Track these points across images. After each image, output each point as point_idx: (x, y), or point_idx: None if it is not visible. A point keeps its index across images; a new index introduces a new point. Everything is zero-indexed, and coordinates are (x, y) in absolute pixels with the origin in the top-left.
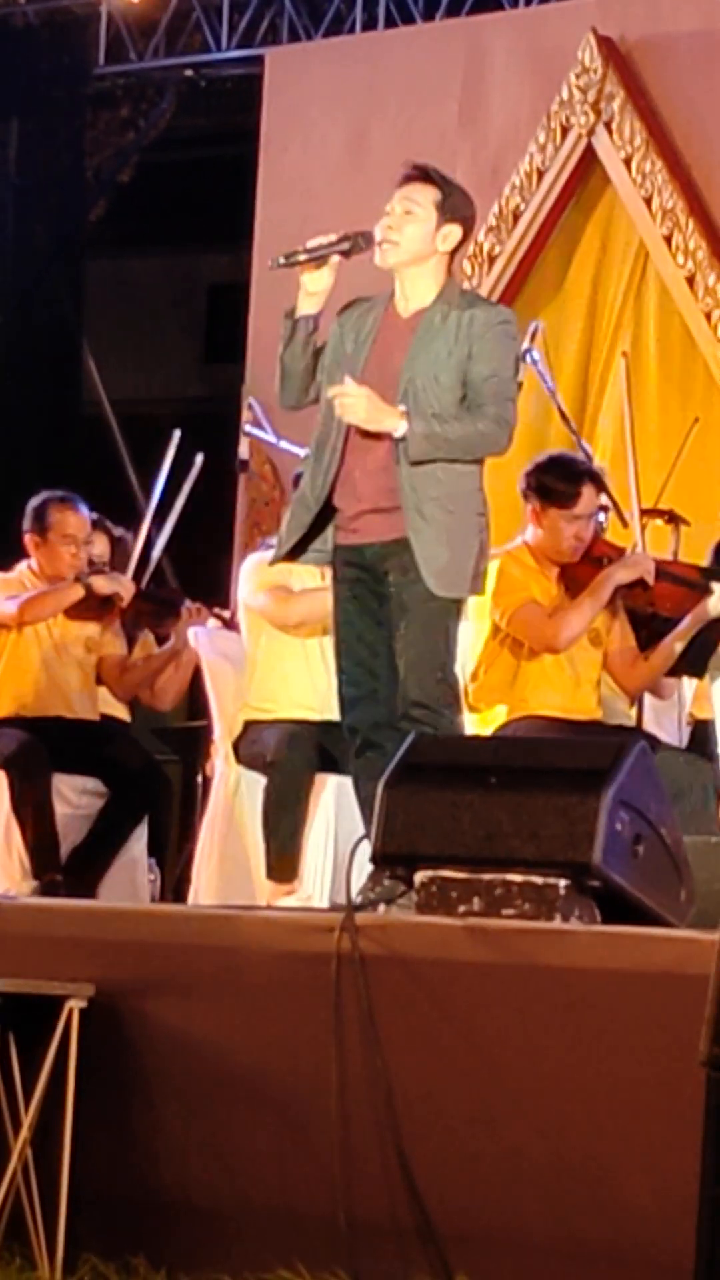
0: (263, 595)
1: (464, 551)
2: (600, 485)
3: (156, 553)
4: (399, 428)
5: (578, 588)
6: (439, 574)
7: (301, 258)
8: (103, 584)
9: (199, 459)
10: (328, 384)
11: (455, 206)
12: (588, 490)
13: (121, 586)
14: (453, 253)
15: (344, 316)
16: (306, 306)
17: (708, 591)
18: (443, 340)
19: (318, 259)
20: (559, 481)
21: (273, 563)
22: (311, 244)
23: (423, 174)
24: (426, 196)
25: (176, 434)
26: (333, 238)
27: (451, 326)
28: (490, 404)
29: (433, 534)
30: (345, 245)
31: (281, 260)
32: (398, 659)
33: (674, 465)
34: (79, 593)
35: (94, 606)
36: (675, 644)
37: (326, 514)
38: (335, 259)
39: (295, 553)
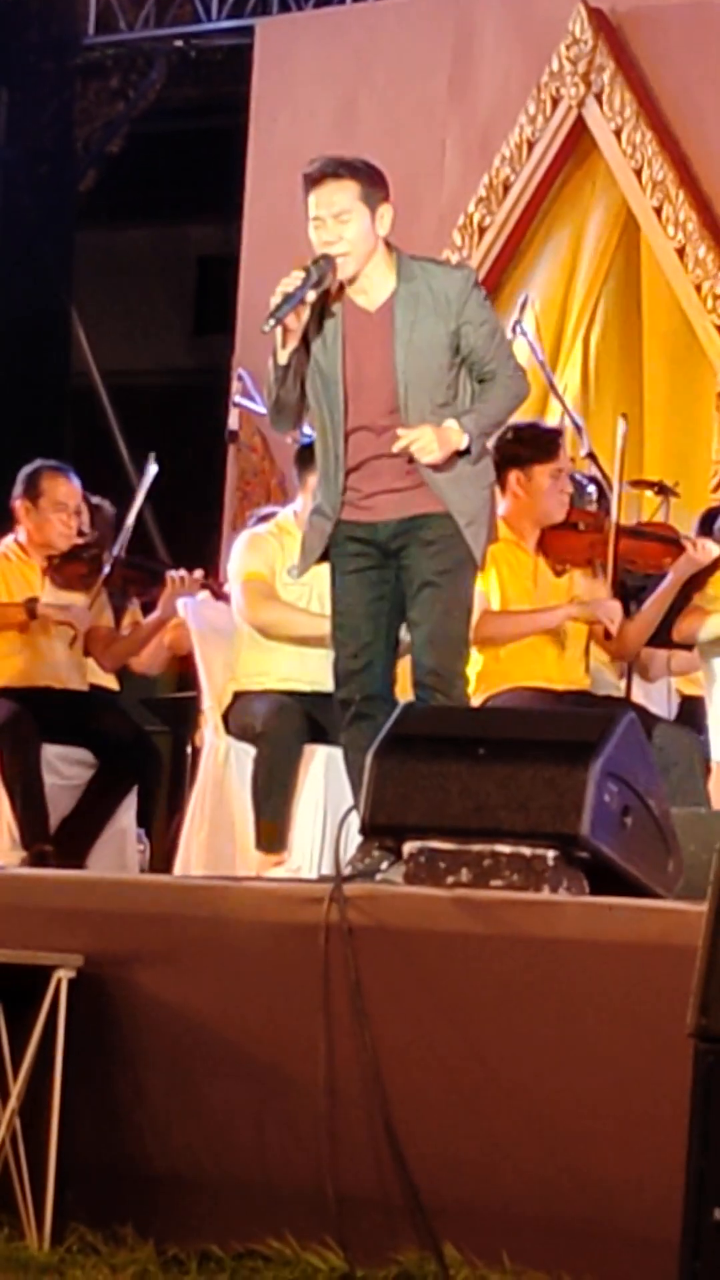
0: (239, 588)
1: (482, 513)
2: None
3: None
4: (465, 441)
5: (556, 554)
6: (472, 519)
7: (286, 310)
8: (51, 613)
9: (153, 469)
10: (315, 397)
11: (374, 184)
12: (562, 444)
13: (71, 616)
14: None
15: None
16: (290, 344)
17: (680, 545)
18: (425, 322)
19: (299, 302)
20: (534, 442)
21: (300, 574)
22: (286, 289)
23: (331, 172)
24: (347, 194)
25: (153, 467)
26: (299, 277)
27: (427, 303)
28: (502, 365)
29: (471, 513)
30: (315, 277)
31: (269, 326)
32: (413, 629)
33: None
34: (21, 616)
35: (80, 577)
36: (659, 603)
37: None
38: (312, 295)
39: (318, 560)
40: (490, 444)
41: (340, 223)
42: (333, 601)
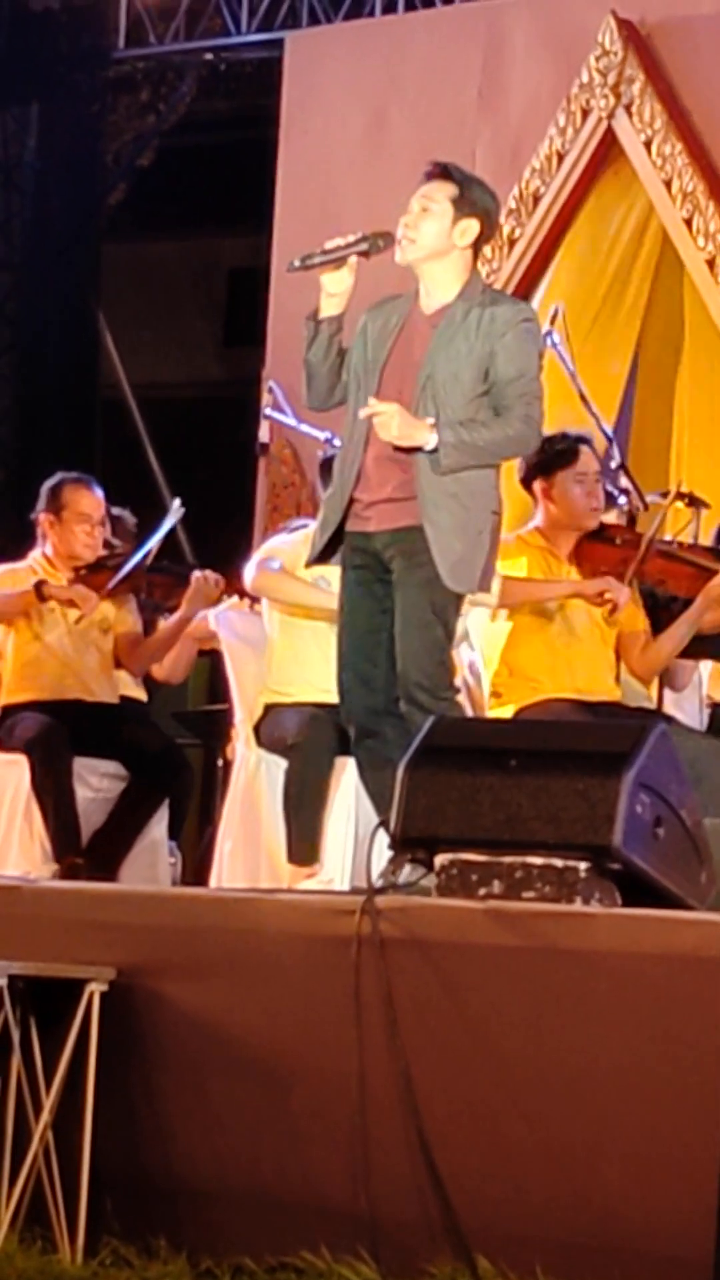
0: (252, 564)
1: (475, 547)
2: (594, 450)
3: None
4: (430, 441)
5: (590, 565)
6: (452, 568)
7: (318, 259)
8: (56, 592)
9: (177, 504)
10: (354, 384)
11: (473, 201)
12: (585, 450)
13: (76, 594)
14: (475, 247)
15: (370, 314)
16: (328, 308)
17: (715, 571)
18: (463, 337)
19: (336, 260)
20: (555, 449)
21: (309, 564)
22: (329, 245)
23: (441, 171)
24: (443, 193)
25: (178, 508)
26: (350, 238)
27: (473, 323)
28: (517, 405)
29: (448, 526)
30: (364, 245)
31: (298, 263)
32: (398, 643)
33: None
34: (30, 599)
35: (99, 586)
36: (685, 625)
37: (349, 509)
38: (353, 259)
39: (327, 553)
40: (496, 479)
41: (423, 211)
42: (339, 613)
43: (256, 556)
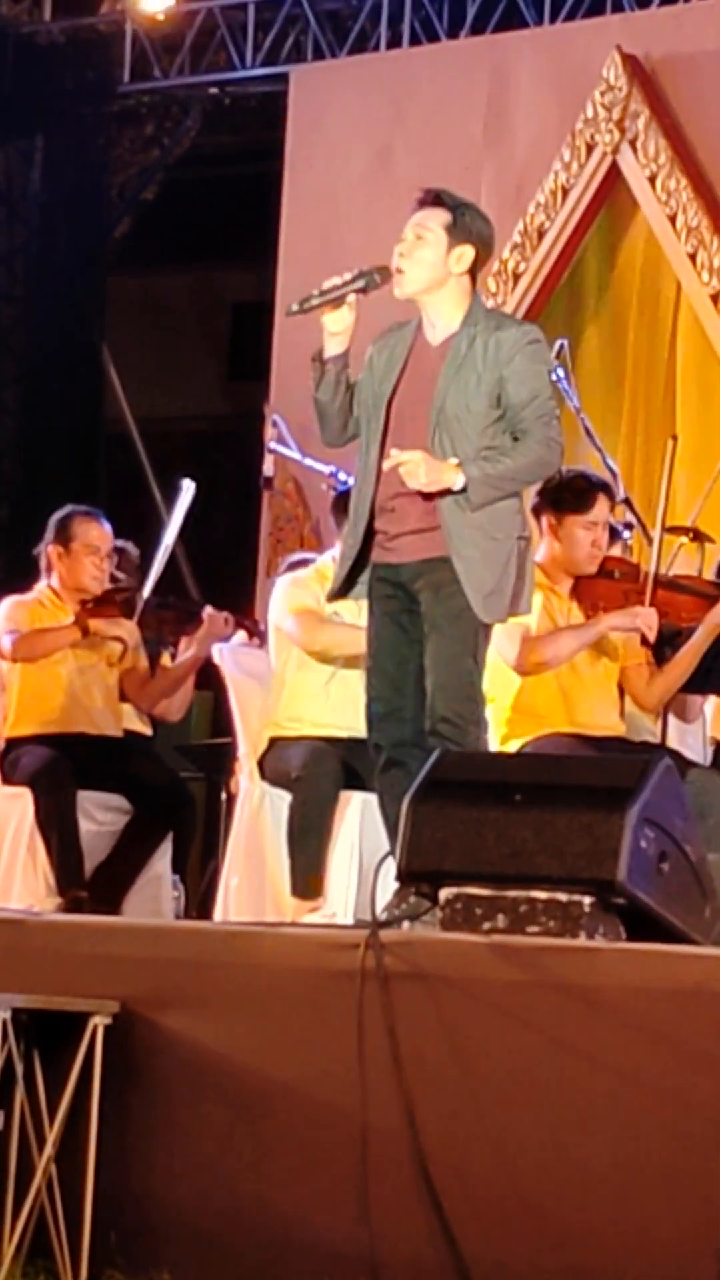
0: (291, 619)
1: (505, 576)
2: (611, 497)
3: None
4: (458, 481)
5: (591, 601)
6: (484, 600)
7: (316, 301)
8: (101, 626)
9: (188, 485)
10: (364, 417)
11: (466, 227)
12: (601, 498)
13: (123, 630)
14: (473, 273)
15: (376, 346)
16: (332, 347)
17: (715, 600)
18: (471, 368)
19: (334, 300)
20: (571, 489)
21: (330, 599)
22: (326, 285)
23: (433, 198)
24: (436, 220)
25: (190, 486)
26: (347, 276)
27: (479, 352)
28: (536, 428)
29: (477, 559)
30: (360, 283)
31: (296, 307)
32: (427, 675)
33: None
34: (75, 635)
35: (107, 618)
36: (690, 654)
37: (371, 538)
38: (352, 297)
39: (347, 587)
40: (520, 504)
41: (417, 239)
42: (367, 644)
43: (289, 615)
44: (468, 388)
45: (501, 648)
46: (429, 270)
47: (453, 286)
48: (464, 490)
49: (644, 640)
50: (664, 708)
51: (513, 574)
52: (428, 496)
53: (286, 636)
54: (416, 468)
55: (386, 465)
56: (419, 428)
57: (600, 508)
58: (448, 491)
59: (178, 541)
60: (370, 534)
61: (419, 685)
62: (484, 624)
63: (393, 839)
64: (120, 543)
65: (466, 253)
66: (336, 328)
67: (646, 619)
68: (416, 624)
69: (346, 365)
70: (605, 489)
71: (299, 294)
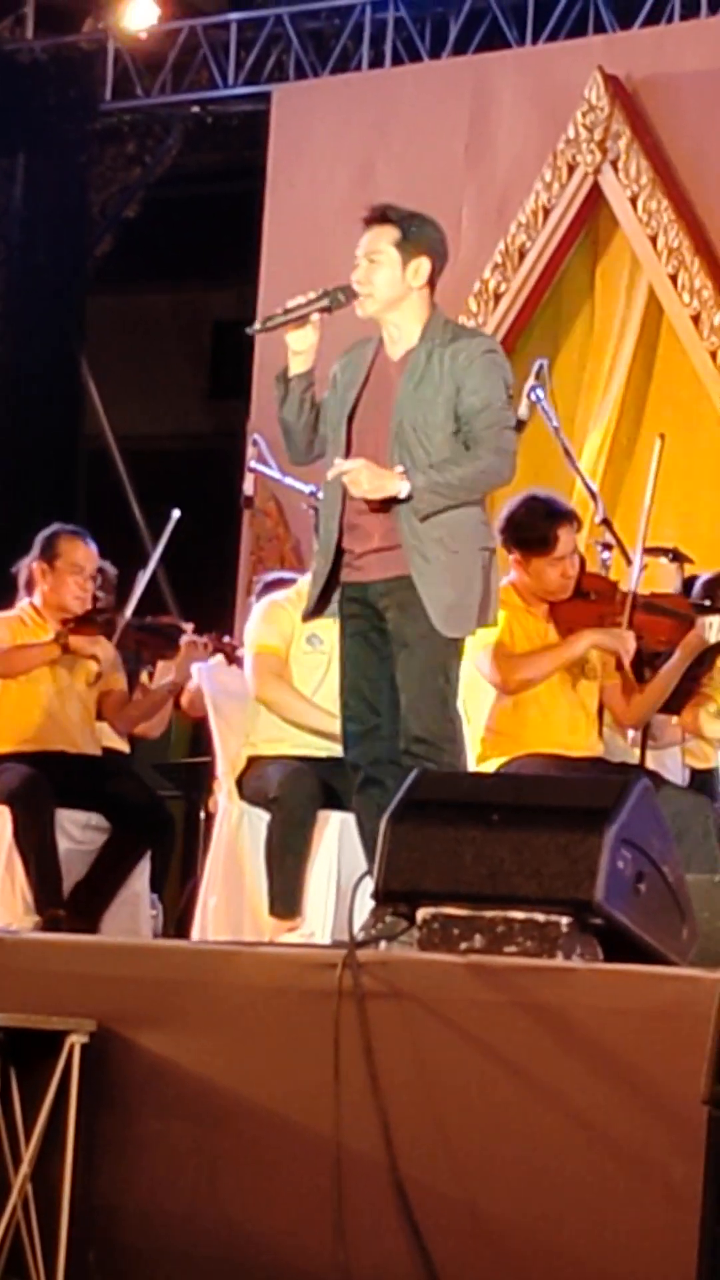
0: (250, 656)
1: (468, 590)
2: (576, 521)
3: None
4: (403, 489)
5: (567, 624)
6: (446, 615)
7: (280, 320)
8: (82, 644)
9: (175, 514)
10: (329, 435)
11: (417, 239)
12: (564, 531)
13: (100, 648)
14: (432, 282)
15: (340, 364)
16: (295, 366)
17: (693, 622)
18: (429, 381)
19: (298, 319)
20: (532, 531)
21: (304, 619)
22: (291, 304)
23: (379, 215)
24: (386, 239)
25: (175, 513)
26: (311, 295)
27: (436, 365)
28: (486, 436)
29: (436, 574)
30: (325, 302)
31: (259, 326)
32: (399, 694)
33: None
34: (55, 652)
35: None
36: (667, 678)
37: (340, 560)
38: (316, 316)
39: (321, 606)
40: (483, 514)
41: (370, 262)
42: (340, 664)
43: (251, 650)
44: (425, 401)
45: (483, 667)
46: (388, 289)
47: (414, 300)
48: (410, 499)
49: (618, 664)
50: (643, 730)
51: (478, 587)
52: (380, 508)
53: (245, 672)
54: (358, 475)
55: (330, 474)
56: (379, 442)
57: (564, 542)
58: (396, 501)
59: (160, 567)
60: (340, 552)
61: (394, 703)
62: (454, 641)
63: (370, 858)
64: (103, 564)
65: (423, 265)
66: (300, 346)
67: (625, 643)
68: (387, 642)
69: (312, 384)
70: (567, 518)
71: None
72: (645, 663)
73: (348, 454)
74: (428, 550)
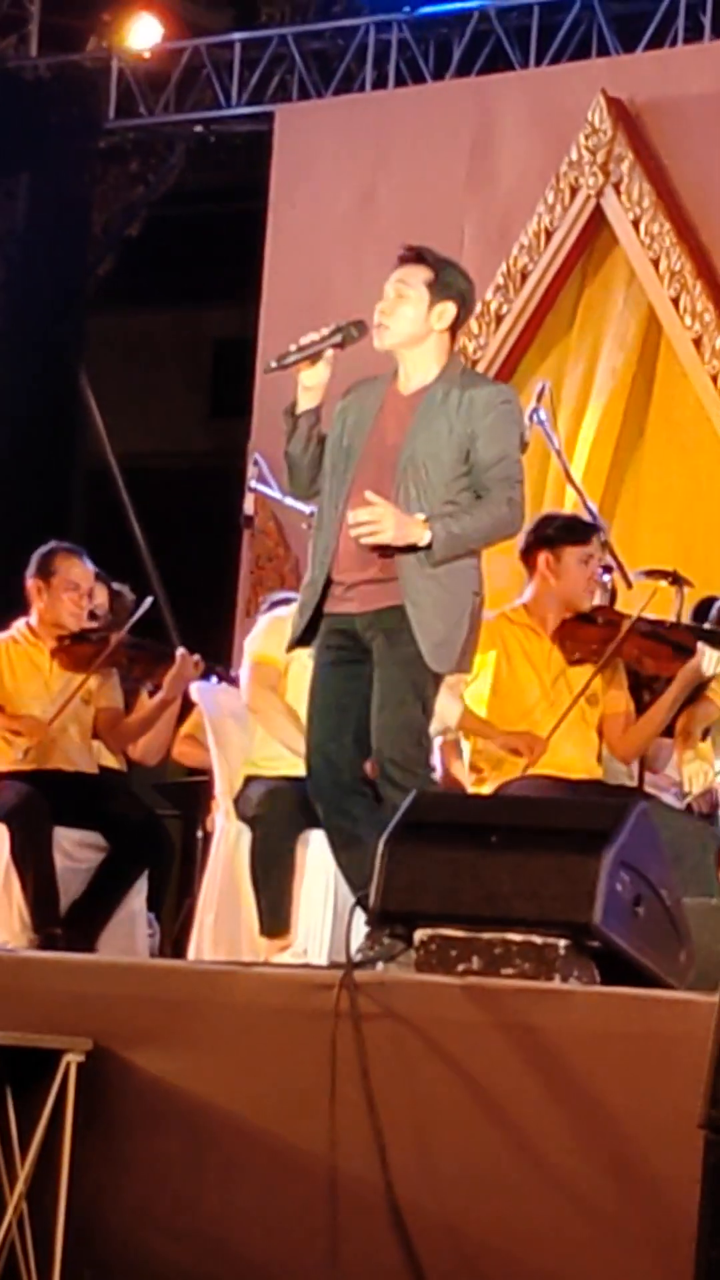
0: (248, 664)
1: (456, 628)
2: (602, 537)
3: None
4: (424, 538)
5: (572, 643)
6: (434, 648)
7: (294, 358)
8: (3, 722)
9: (148, 601)
10: (329, 467)
11: (448, 284)
12: (596, 538)
13: (23, 728)
14: (452, 330)
15: (348, 398)
16: (305, 402)
17: (691, 653)
18: (443, 418)
19: (312, 356)
20: (567, 526)
21: (289, 649)
22: (304, 341)
23: (415, 255)
24: (418, 277)
25: (149, 600)
26: (325, 331)
27: (453, 404)
28: (498, 489)
29: (430, 607)
30: (338, 338)
31: (274, 364)
32: (374, 718)
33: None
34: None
35: (87, 659)
36: (664, 710)
37: (327, 591)
38: (329, 353)
39: (308, 636)
40: (477, 561)
41: (398, 296)
42: (309, 692)
43: (250, 659)
44: (438, 437)
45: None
46: (410, 325)
47: (433, 342)
48: (427, 547)
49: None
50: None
51: (465, 629)
52: (388, 552)
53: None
54: (385, 523)
55: (352, 519)
56: (385, 475)
57: (596, 544)
58: (411, 547)
59: (159, 584)
60: (329, 584)
61: (355, 734)
62: (433, 674)
63: (350, 886)
64: (118, 585)
65: (448, 310)
66: (311, 382)
67: (530, 753)
68: (361, 673)
69: (318, 420)
70: (600, 531)
71: (282, 332)
72: (644, 686)
73: (353, 483)
74: (423, 586)
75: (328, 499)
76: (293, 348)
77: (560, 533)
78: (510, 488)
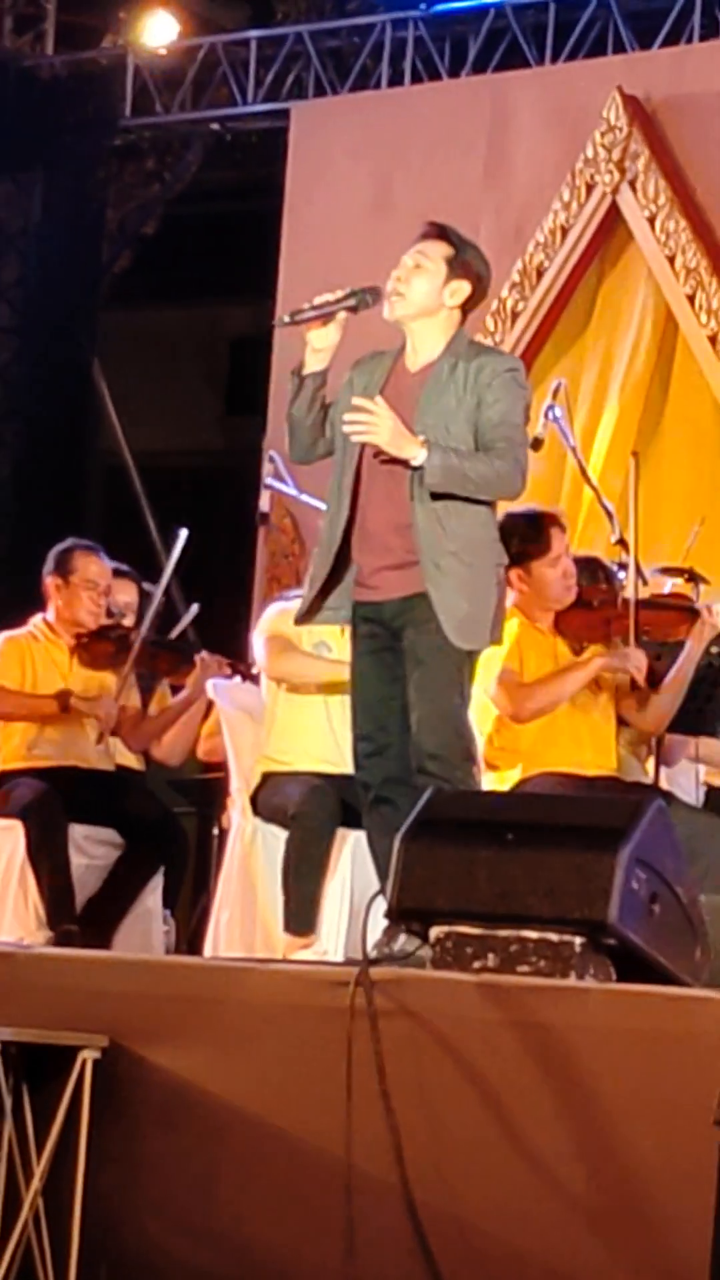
0: (260, 643)
1: (483, 603)
2: (561, 525)
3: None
4: (418, 456)
5: (574, 633)
6: (459, 626)
7: (308, 315)
8: (81, 706)
9: (183, 534)
10: (339, 442)
11: (466, 263)
12: (554, 530)
13: (100, 708)
14: (464, 309)
15: (355, 370)
16: (313, 363)
17: (698, 612)
18: (451, 392)
19: (324, 316)
20: (524, 537)
21: (297, 621)
22: (318, 300)
23: (437, 231)
24: (438, 251)
25: (184, 533)
26: (339, 294)
27: (460, 377)
28: (502, 447)
29: (452, 586)
30: (352, 301)
31: (287, 319)
32: (411, 712)
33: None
34: (53, 708)
35: (108, 656)
36: (683, 672)
37: (342, 563)
38: (342, 315)
39: (313, 611)
40: (495, 531)
41: (415, 267)
42: (351, 683)
43: (262, 636)
44: (447, 411)
45: (497, 699)
46: (423, 298)
47: (443, 318)
48: (419, 469)
49: (633, 684)
50: (657, 750)
51: (491, 600)
52: (387, 462)
53: (255, 659)
54: (382, 423)
55: (350, 410)
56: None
57: (557, 540)
58: (404, 465)
59: (174, 581)
60: (342, 559)
61: (404, 721)
62: (467, 658)
63: (383, 876)
64: (148, 585)
65: (462, 288)
66: (321, 344)
67: (637, 660)
68: (399, 661)
69: (324, 383)
70: (553, 518)
71: (297, 329)
72: (654, 657)
73: (360, 463)
74: (442, 562)
75: (337, 473)
76: (307, 305)
77: (522, 547)
78: (513, 448)
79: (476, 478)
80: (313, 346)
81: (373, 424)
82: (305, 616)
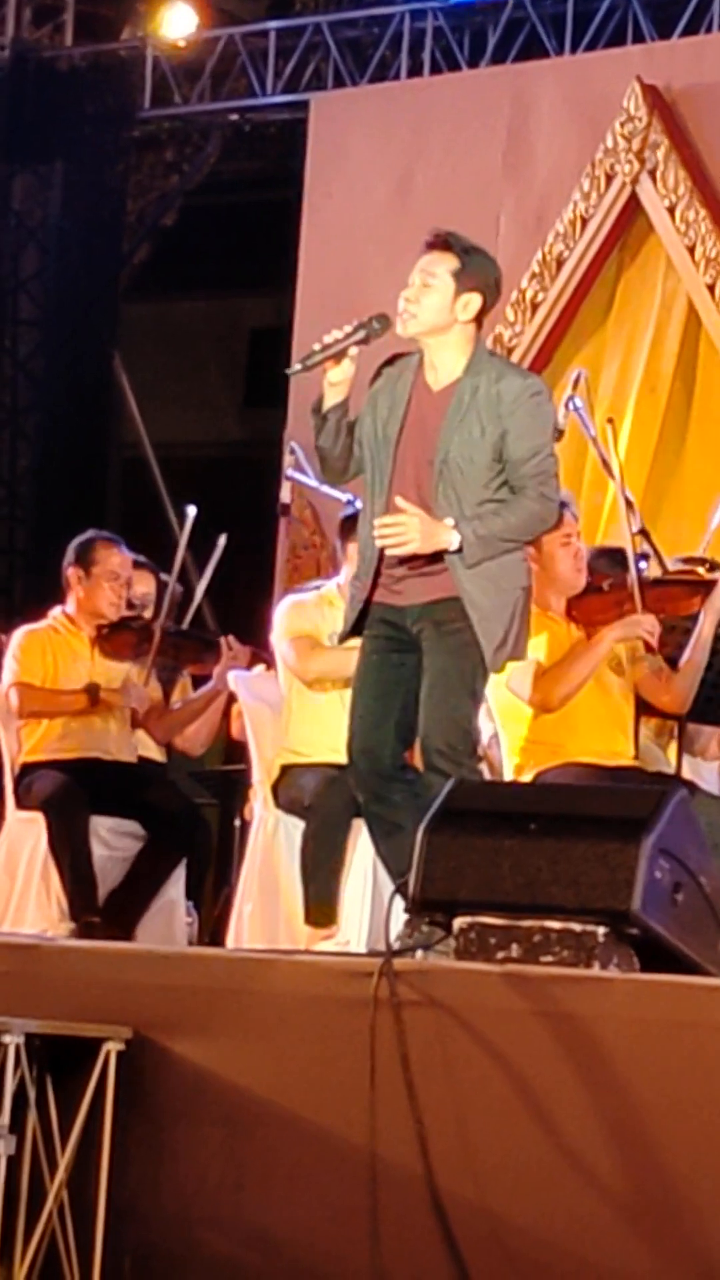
0: (286, 643)
1: (511, 629)
2: (572, 508)
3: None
4: (453, 542)
5: (588, 618)
6: (495, 652)
7: (319, 358)
8: (112, 698)
9: (222, 540)
10: (369, 457)
11: (474, 274)
12: (566, 513)
13: (131, 698)
14: (478, 319)
15: (378, 384)
16: (332, 398)
17: (710, 586)
18: (475, 418)
19: (336, 355)
20: None
21: (340, 641)
22: (328, 339)
23: (441, 242)
24: (444, 266)
25: (192, 510)
26: (348, 329)
27: (482, 402)
28: (531, 485)
29: (489, 611)
30: (361, 334)
31: (299, 366)
32: (422, 707)
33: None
34: (82, 703)
35: (130, 647)
36: (701, 645)
37: (377, 580)
38: (354, 349)
39: (358, 630)
40: (524, 555)
41: (424, 285)
42: (354, 679)
43: (286, 639)
44: (471, 440)
45: (521, 691)
46: (435, 315)
47: (457, 332)
48: (458, 550)
49: (648, 647)
50: (679, 739)
51: (516, 624)
52: (416, 563)
53: (282, 661)
54: (411, 531)
55: (377, 523)
56: (423, 478)
57: (568, 522)
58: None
59: (193, 568)
60: (378, 576)
61: (398, 723)
62: (484, 665)
63: (389, 872)
64: (165, 576)
65: (473, 300)
66: (337, 379)
67: (647, 625)
68: (408, 664)
69: (346, 412)
70: (564, 504)
71: (317, 321)
72: (666, 632)
73: (392, 480)
74: (480, 585)
75: (370, 493)
76: (316, 347)
77: None
78: (543, 483)
79: (508, 532)
80: (329, 382)
81: (402, 534)
82: (348, 636)
